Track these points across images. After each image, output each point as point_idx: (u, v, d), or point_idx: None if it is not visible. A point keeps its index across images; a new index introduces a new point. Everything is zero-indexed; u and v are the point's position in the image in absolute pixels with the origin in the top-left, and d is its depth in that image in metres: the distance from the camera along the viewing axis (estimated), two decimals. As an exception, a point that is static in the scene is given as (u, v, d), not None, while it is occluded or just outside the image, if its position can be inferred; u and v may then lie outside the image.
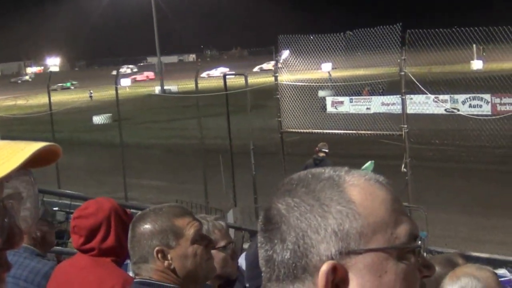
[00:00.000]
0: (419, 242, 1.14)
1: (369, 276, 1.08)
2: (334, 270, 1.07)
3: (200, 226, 2.62)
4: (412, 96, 18.19)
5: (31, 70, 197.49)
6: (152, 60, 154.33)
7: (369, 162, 12.58)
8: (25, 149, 0.97)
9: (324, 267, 1.07)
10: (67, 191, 10.96)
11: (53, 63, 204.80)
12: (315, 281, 1.08)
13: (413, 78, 14.72)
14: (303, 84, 17.46)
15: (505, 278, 8.30)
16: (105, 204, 3.31)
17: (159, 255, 2.48)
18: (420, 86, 15.56)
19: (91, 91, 59.98)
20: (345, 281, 1.08)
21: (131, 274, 3.82)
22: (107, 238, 3.21)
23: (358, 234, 1.09)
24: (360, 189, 1.13)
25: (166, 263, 2.49)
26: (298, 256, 1.09)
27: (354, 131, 16.40)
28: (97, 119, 44.57)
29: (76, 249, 3.41)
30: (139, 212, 2.77)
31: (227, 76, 18.50)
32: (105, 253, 3.22)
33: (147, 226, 2.52)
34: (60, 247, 6.30)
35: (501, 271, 8.83)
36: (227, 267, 3.24)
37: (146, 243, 2.50)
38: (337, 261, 1.08)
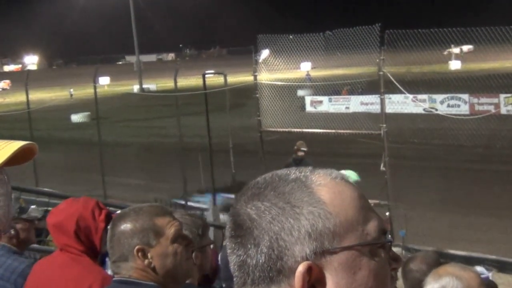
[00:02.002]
0: (389, 236, 1.17)
1: (344, 273, 1.10)
2: (309, 270, 1.08)
3: (180, 226, 2.63)
4: (390, 95, 18.29)
5: (9, 68, 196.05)
6: (130, 58, 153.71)
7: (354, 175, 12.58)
8: (6, 148, 0.97)
9: (300, 268, 1.08)
10: (45, 189, 10.87)
11: (31, 61, 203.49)
12: (291, 282, 1.09)
13: (391, 78, 14.79)
14: (282, 83, 17.49)
15: (483, 276, 8.34)
16: (75, 204, 3.32)
17: (139, 254, 2.49)
18: (399, 86, 15.64)
19: (72, 90, 59.75)
20: (320, 280, 1.09)
21: (109, 272, 3.81)
22: (68, 236, 3.21)
23: (331, 233, 1.10)
24: (328, 188, 1.14)
25: (146, 261, 2.50)
26: (273, 259, 1.10)
27: (333, 130, 16.46)
28: (76, 118, 44.34)
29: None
30: (119, 211, 2.77)
31: (206, 75, 18.44)
32: (72, 251, 3.23)
33: (128, 225, 2.53)
34: (38, 245, 6.25)
35: (479, 269, 8.88)
36: (208, 262, 3.29)
37: (126, 242, 2.50)
38: (312, 261, 1.09)
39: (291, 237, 1.09)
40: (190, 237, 3.04)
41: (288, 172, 1.18)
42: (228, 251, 1.18)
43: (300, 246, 1.09)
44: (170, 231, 2.55)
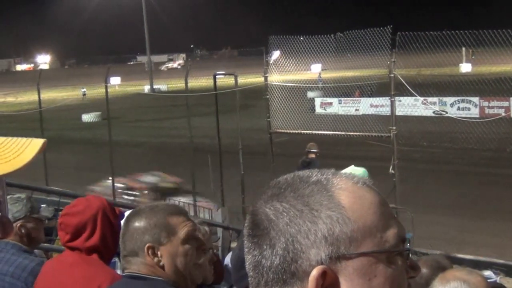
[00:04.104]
0: (408, 244, 1.15)
1: (359, 280, 1.09)
2: (324, 275, 1.07)
3: (194, 227, 2.64)
4: (401, 98, 18.25)
5: (21, 67, 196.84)
6: (142, 59, 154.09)
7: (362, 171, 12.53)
8: (32, 143, 1.02)
9: (314, 272, 1.07)
10: (56, 188, 10.93)
11: (43, 60, 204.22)
12: (304, 286, 1.08)
13: (402, 80, 14.75)
14: (292, 85, 17.49)
15: (491, 280, 8.34)
16: (94, 203, 3.30)
17: (149, 251, 2.51)
18: (409, 88, 15.59)
19: (85, 90, 59.72)
20: (334, 285, 1.09)
21: (119, 272, 3.85)
22: (91, 237, 3.21)
23: (348, 239, 1.09)
24: (349, 193, 1.13)
25: (155, 259, 2.52)
26: (288, 262, 1.09)
27: (342, 132, 16.43)
28: (86, 117, 44.48)
29: (63, 246, 3.42)
30: (134, 208, 2.80)
31: (217, 76, 18.47)
32: (89, 252, 3.22)
33: (141, 222, 2.55)
34: (48, 244, 6.29)
35: (486, 273, 8.89)
36: (205, 272, 3.28)
37: (138, 238, 2.53)
38: (327, 265, 1.08)
39: (307, 241, 1.09)
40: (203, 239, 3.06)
41: (310, 174, 1.17)
42: (245, 250, 1.18)
43: (315, 250, 1.08)
44: (183, 231, 2.56)
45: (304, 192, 1.13)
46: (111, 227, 3.25)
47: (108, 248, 3.26)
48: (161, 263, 2.52)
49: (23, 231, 4.13)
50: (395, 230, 1.13)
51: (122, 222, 3.43)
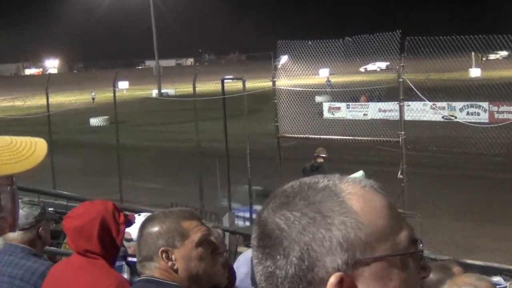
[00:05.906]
0: (420, 245, 1.14)
1: (375, 284, 1.08)
2: (341, 281, 1.07)
3: (208, 231, 2.66)
4: (409, 103, 18.21)
5: (30, 71, 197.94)
6: (150, 63, 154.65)
7: (360, 173, 12.48)
8: (38, 141, 1.02)
9: (332, 280, 1.06)
10: (64, 192, 10.94)
11: (52, 65, 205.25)
12: None
13: (411, 85, 14.73)
14: (300, 89, 17.50)
15: (500, 286, 8.28)
16: (95, 207, 3.31)
17: (163, 255, 2.54)
18: (418, 93, 15.57)
19: (94, 94, 59.80)
20: None
21: (125, 276, 3.84)
22: (89, 240, 3.21)
23: (363, 244, 1.08)
24: (358, 197, 1.12)
25: (169, 263, 2.55)
26: (304, 270, 1.08)
27: (350, 137, 16.42)
28: (94, 121, 44.58)
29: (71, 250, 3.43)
30: (150, 214, 2.84)
31: (225, 80, 18.49)
32: (89, 255, 3.23)
33: (155, 227, 2.59)
34: (54, 248, 6.29)
35: (496, 279, 8.82)
36: (219, 275, 3.28)
37: (152, 243, 2.56)
38: (344, 272, 1.07)
39: (322, 248, 1.08)
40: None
41: (317, 180, 1.16)
42: (255, 261, 1.16)
43: (331, 257, 1.07)
44: (196, 235, 2.58)
45: (314, 199, 1.12)
46: (109, 232, 3.24)
47: (108, 253, 3.25)
48: (175, 267, 2.55)
49: (43, 234, 4.15)
50: (406, 232, 1.13)
51: (129, 228, 3.43)
